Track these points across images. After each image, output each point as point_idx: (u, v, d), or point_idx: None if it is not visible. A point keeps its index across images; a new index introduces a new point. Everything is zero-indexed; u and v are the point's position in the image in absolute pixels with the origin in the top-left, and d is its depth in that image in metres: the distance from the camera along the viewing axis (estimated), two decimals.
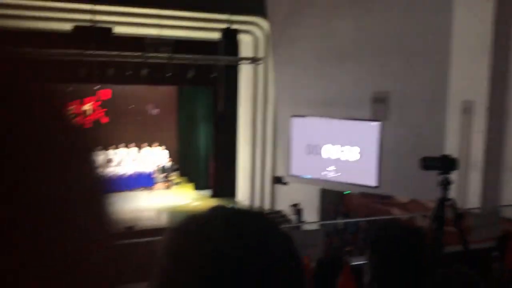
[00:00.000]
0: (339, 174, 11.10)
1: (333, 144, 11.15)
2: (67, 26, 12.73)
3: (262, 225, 0.72)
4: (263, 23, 14.86)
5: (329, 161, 10.97)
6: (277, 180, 15.14)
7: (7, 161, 0.33)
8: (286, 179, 12.23)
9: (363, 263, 1.74)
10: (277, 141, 15.01)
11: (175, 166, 18.78)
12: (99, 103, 19.02)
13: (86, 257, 0.38)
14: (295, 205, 13.83)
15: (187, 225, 0.71)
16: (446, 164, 4.00)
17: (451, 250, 4.46)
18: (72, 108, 18.95)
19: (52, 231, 0.35)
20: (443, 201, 4.05)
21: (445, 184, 4.01)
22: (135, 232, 13.19)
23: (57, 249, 0.36)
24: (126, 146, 18.31)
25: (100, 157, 0.43)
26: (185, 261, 0.67)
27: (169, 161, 18.37)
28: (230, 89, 15.24)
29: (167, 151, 18.75)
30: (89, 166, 0.40)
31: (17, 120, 0.35)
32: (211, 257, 0.66)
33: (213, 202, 15.25)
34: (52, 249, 0.35)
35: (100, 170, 0.42)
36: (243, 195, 15.89)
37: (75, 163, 0.39)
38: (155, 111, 19.45)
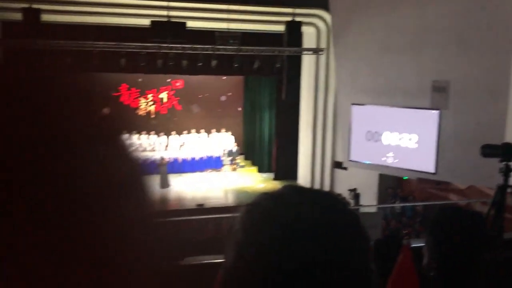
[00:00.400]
0: (397, 160, 10.81)
1: (392, 131, 10.83)
2: (145, 22, 13.07)
3: (333, 203, 0.72)
4: (326, 15, 14.45)
5: (389, 148, 10.67)
6: (337, 165, 14.92)
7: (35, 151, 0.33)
8: (346, 164, 12.04)
9: (421, 246, 1.69)
10: (337, 127, 14.69)
11: (241, 150, 18.97)
12: (173, 92, 19.41)
13: (131, 238, 0.37)
14: (353, 190, 13.65)
15: (261, 201, 0.71)
16: (507, 151, 3.82)
17: (510, 236, 4.39)
18: (151, 95, 19.31)
19: (96, 215, 0.35)
20: (504, 188, 3.82)
21: (506, 171, 3.80)
22: (205, 210, 13.48)
23: (101, 233, 0.35)
24: (197, 132, 18.55)
25: (132, 141, 0.42)
26: (258, 235, 0.67)
27: (235, 145, 18.55)
28: (293, 78, 14.99)
29: (233, 137, 18.65)
30: (123, 150, 0.40)
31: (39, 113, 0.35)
32: (283, 232, 0.65)
33: (275, 184, 15.43)
34: (95, 233, 0.35)
35: (133, 153, 0.41)
36: (303, 178, 15.62)
37: (110, 148, 0.38)
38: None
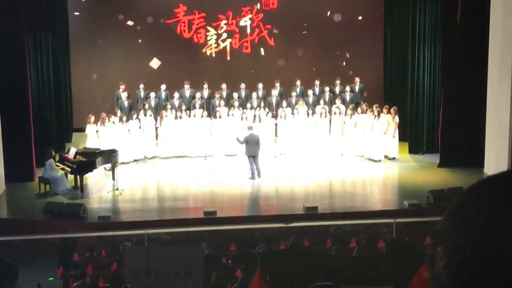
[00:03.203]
0: None
1: None
2: None
3: None
4: None
5: None
6: None
7: None
8: None
9: None
10: None
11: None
12: (261, 16, 19.18)
13: None
14: None
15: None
16: None
17: None
18: (224, 23, 19.23)
19: None
20: None
21: None
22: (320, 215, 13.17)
23: None
24: (303, 85, 18.45)
25: None
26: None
27: (367, 107, 17.26)
28: None
29: (360, 85, 18.53)
30: None
31: None
32: None
33: (445, 176, 15.49)
34: None
35: None
36: (495, 166, 14.88)
37: None
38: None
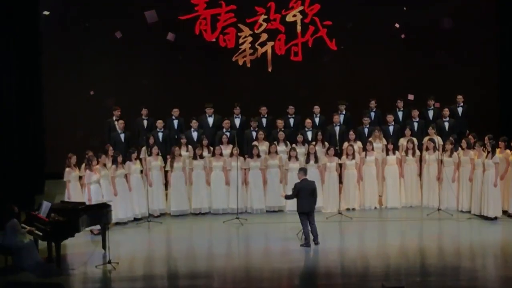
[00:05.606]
0: None
1: None
2: None
3: None
4: None
5: None
6: None
7: None
8: None
9: None
10: None
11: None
12: (317, 7, 19.50)
13: None
14: None
15: None
16: None
17: None
18: (263, 19, 19.86)
19: None
20: None
21: None
22: None
23: None
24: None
25: None
26: None
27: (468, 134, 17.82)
28: None
29: (464, 107, 19.01)
30: None
31: None
32: None
33: None
34: None
35: None
36: None
37: None
38: None
